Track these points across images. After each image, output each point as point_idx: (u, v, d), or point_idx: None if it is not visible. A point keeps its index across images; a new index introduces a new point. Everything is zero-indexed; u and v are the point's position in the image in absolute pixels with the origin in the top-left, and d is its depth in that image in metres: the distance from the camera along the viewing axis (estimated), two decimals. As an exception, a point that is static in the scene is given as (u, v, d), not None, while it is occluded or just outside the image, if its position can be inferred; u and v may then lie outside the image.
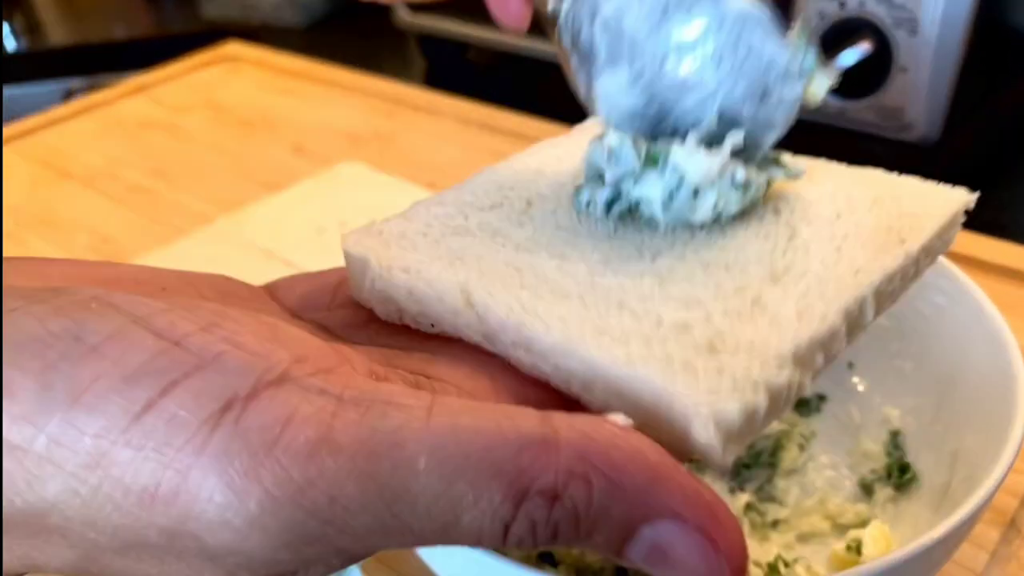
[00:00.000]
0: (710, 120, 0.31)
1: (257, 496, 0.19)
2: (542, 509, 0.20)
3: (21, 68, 1.25)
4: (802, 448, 0.44)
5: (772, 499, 0.43)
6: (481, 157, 0.78)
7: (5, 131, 0.89)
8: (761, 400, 0.22)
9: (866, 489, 0.42)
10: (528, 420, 0.21)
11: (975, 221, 0.68)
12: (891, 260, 0.28)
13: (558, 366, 0.25)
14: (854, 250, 0.29)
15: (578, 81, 0.33)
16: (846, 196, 0.32)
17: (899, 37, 0.67)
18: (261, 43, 1.08)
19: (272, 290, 0.31)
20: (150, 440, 0.19)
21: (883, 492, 0.41)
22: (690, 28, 0.30)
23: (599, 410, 0.24)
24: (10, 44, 1.27)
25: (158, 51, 1.23)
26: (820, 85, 0.29)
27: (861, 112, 0.71)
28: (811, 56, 0.29)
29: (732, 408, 0.22)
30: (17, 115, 1.20)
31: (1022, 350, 0.51)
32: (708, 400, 0.22)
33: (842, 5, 0.68)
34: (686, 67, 0.30)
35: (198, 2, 1.26)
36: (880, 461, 0.42)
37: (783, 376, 0.23)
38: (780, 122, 0.31)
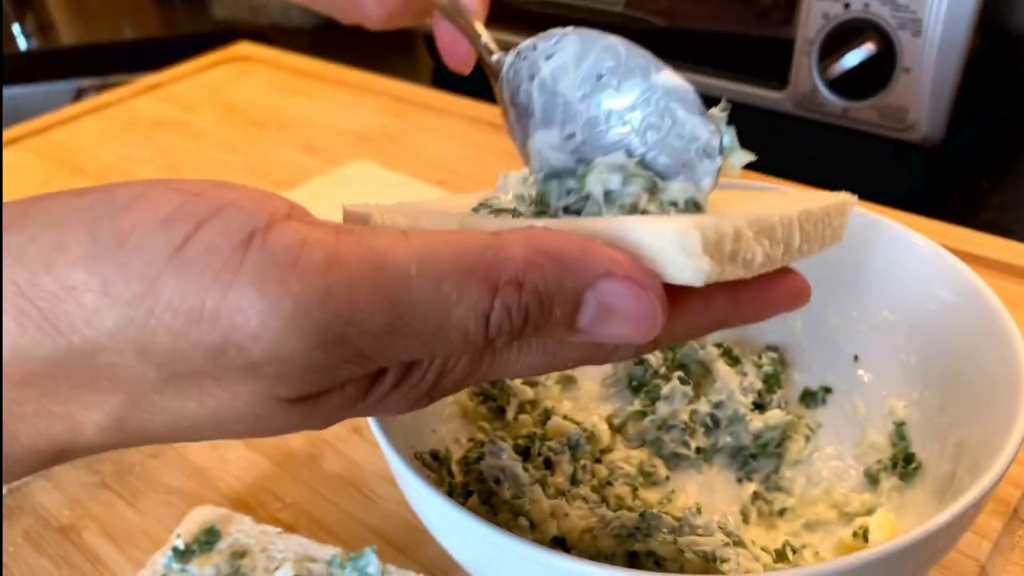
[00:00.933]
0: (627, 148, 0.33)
1: (291, 301, 0.23)
2: (512, 295, 0.25)
3: (32, 68, 1.25)
4: (808, 439, 0.45)
5: (779, 488, 0.44)
6: (490, 156, 0.78)
7: (18, 129, 0.90)
8: (729, 229, 0.26)
9: (871, 479, 0.43)
10: (480, 233, 0.26)
11: (977, 220, 0.69)
12: (806, 204, 0.31)
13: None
14: (774, 208, 0.31)
15: (514, 135, 0.35)
16: (755, 197, 0.36)
17: (903, 38, 0.67)
18: (270, 44, 1.09)
19: None
20: (192, 267, 0.23)
21: (888, 481, 0.42)
22: (621, 98, 0.33)
23: None
24: (21, 44, 1.28)
25: (168, 51, 1.24)
26: (737, 161, 0.31)
27: (864, 112, 0.71)
28: (730, 134, 0.32)
29: (708, 221, 0.26)
30: (28, 114, 1.21)
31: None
32: (688, 223, 0.26)
33: (846, 6, 0.69)
34: (614, 133, 0.33)
35: (207, 3, 1.27)
36: (885, 451, 0.43)
37: (742, 223, 0.27)
38: (699, 190, 0.33)
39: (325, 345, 0.23)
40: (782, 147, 0.78)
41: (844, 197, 0.34)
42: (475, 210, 0.33)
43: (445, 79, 1.04)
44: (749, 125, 0.84)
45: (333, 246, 0.24)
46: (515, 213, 0.32)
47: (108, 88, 1.21)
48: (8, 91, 1.24)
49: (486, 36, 0.39)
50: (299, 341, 0.23)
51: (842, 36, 0.70)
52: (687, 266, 0.25)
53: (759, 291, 0.29)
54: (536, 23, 0.93)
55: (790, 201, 0.35)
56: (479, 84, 1.06)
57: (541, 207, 0.32)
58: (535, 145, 0.34)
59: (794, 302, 0.32)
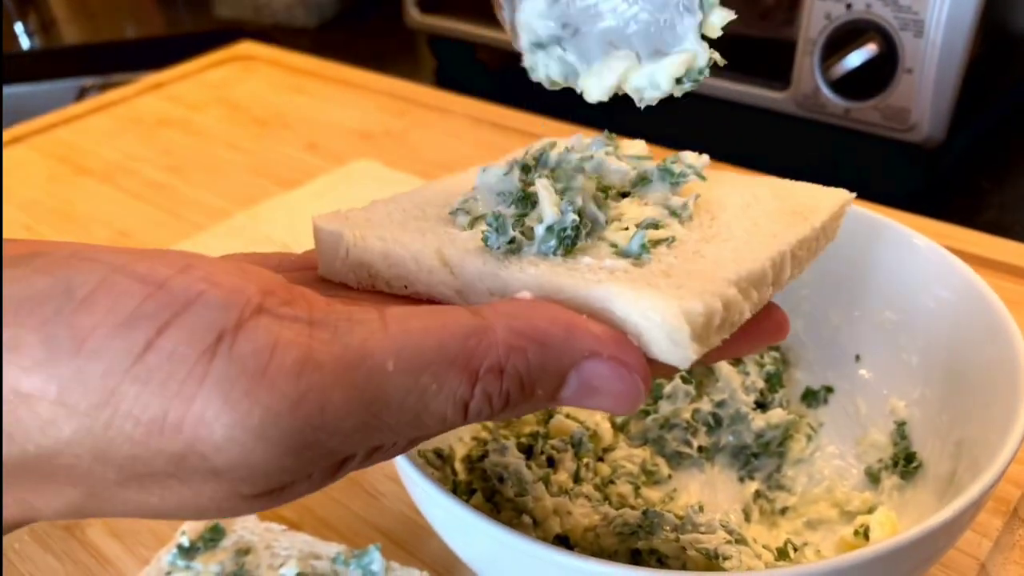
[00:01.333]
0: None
1: (259, 413, 0.22)
2: (494, 383, 0.24)
3: (34, 67, 1.26)
4: (810, 438, 0.46)
5: (780, 487, 0.44)
6: (492, 155, 0.78)
7: (21, 128, 0.90)
8: (718, 305, 0.26)
9: (872, 477, 0.43)
10: (462, 314, 0.25)
11: (978, 221, 0.69)
12: (800, 229, 0.31)
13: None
14: (768, 224, 0.31)
15: (505, 20, 0.34)
16: (751, 193, 0.34)
17: (905, 39, 0.68)
18: (273, 43, 1.10)
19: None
20: (155, 375, 0.22)
21: (889, 480, 0.42)
22: None
23: None
24: (24, 43, 1.28)
25: (171, 51, 1.24)
26: (717, 19, 0.31)
27: (866, 113, 0.72)
28: None
29: (696, 305, 0.25)
30: (30, 114, 1.21)
31: None
32: (676, 300, 0.25)
33: (848, 6, 0.69)
34: None
35: (210, 2, 1.28)
36: (887, 451, 0.43)
37: (731, 292, 0.26)
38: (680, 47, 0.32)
39: (294, 451, 0.23)
40: (784, 147, 0.79)
41: (841, 198, 0.34)
42: (452, 214, 0.33)
43: (447, 78, 1.04)
44: (751, 126, 0.84)
45: (306, 347, 0.23)
46: (496, 218, 0.30)
47: (111, 87, 1.22)
48: (10, 90, 1.24)
49: None
50: (266, 452, 0.22)
51: (844, 37, 0.70)
52: (674, 353, 0.25)
53: (741, 333, 0.29)
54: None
55: (781, 194, 0.34)
56: (481, 83, 1.06)
57: (521, 208, 0.31)
58: (522, 17, 0.33)
59: (775, 337, 0.33)
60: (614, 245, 0.29)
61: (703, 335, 0.25)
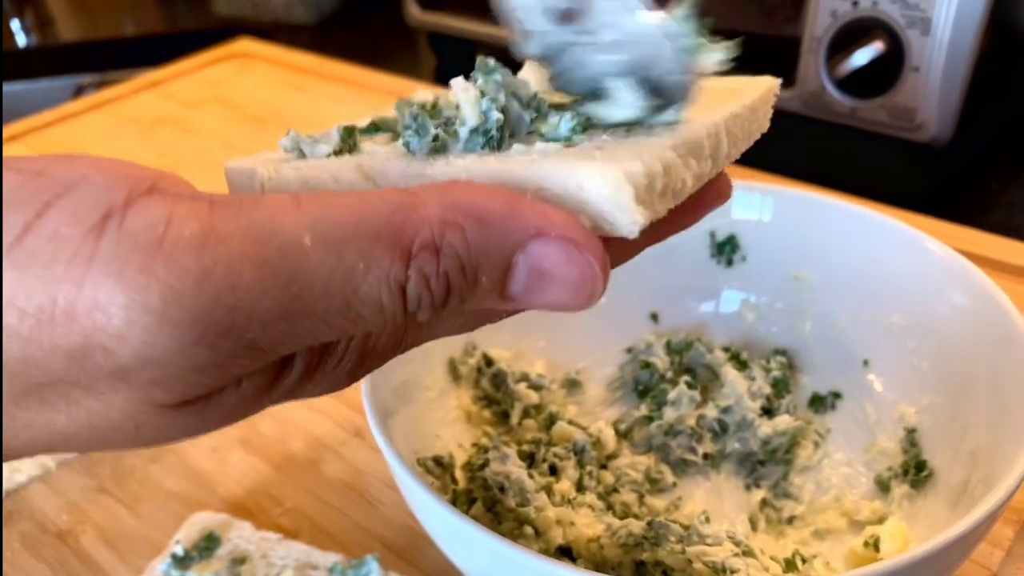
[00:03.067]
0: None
1: (159, 290, 0.19)
2: (430, 263, 0.21)
3: (32, 64, 1.25)
4: (817, 445, 0.45)
5: (788, 495, 0.43)
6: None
7: (18, 126, 0.89)
8: (658, 167, 0.24)
9: (882, 486, 0.42)
10: (389, 193, 0.22)
11: (986, 221, 0.68)
12: (732, 106, 0.29)
13: None
14: (700, 106, 0.28)
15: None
16: None
17: (912, 37, 0.66)
18: (272, 40, 1.08)
19: None
20: (36, 259, 0.19)
21: (899, 489, 0.41)
22: None
23: None
24: (21, 40, 1.27)
25: (169, 48, 1.23)
26: (710, 61, 0.29)
27: (872, 112, 0.71)
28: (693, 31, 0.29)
29: (636, 165, 0.23)
30: (28, 111, 1.20)
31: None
32: (614, 164, 0.23)
33: (855, 4, 0.68)
34: None
35: (208, 1, 1.27)
36: (896, 458, 0.42)
37: (669, 155, 0.25)
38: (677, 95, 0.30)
39: (206, 339, 0.20)
40: (789, 147, 0.77)
41: (768, 84, 0.32)
42: (364, 133, 0.30)
43: (447, 75, 1.03)
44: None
45: (206, 220, 0.20)
46: (415, 119, 0.27)
47: (108, 85, 1.21)
48: (8, 87, 1.24)
49: None
50: (173, 338, 0.20)
51: (850, 35, 0.69)
52: (619, 221, 0.23)
53: (686, 202, 0.27)
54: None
55: (710, 83, 0.33)
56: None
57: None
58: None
59: (717, 200, 0.30)
60: (543, 135, 0.27)
61: (646, 199, 0.24)
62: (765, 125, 0.31)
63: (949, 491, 0.39)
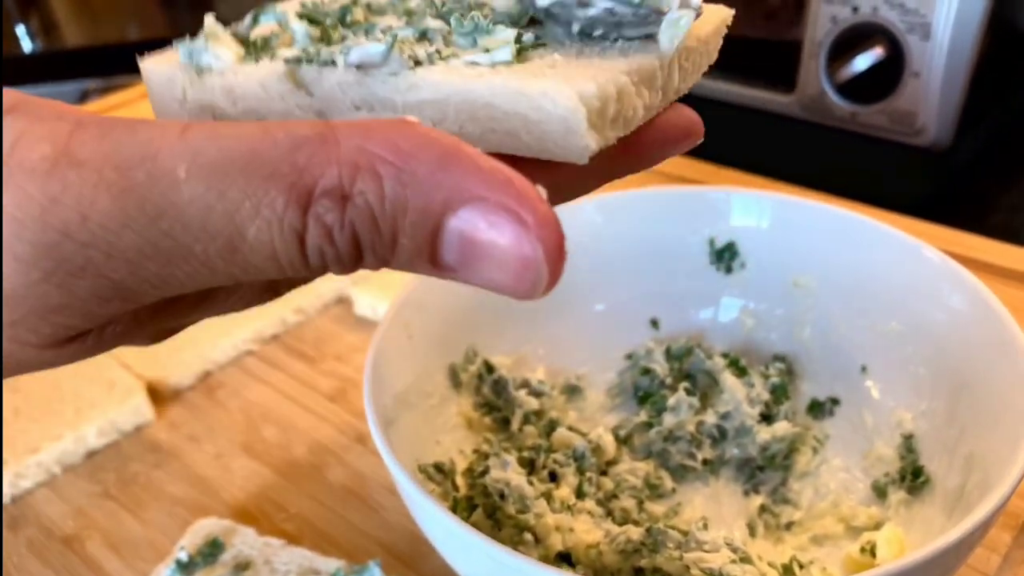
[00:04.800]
0: None
1: (23, 215, 0.17)
2: (333, 211, 0.18)
3: (37, 69, 1.26)
4: (815, 451, 0.45)
5: (786, 501, 0.43)
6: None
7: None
8: (611, 90, 0.23)
9: (879, 492, 0.42)
10: (301, 125, 0.19)
11: (987, 224, 0.69)
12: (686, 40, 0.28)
13: (407, 106, 0.24)
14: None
15: None
16: None
17: (911, 42, 0.67)
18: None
19: None
20: None
21: (896, 495, 0.41)
22: None
23: None
24: (27, 45, 1.28)
25: (173, 52, 1.24)
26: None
27: (873, 117, 0.71)
28: None
29: (590, 87, 0.22)
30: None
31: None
32: (568, 84, 0.22)
33: (855, 9, 0.69)
34: None
35: (212, 4, 1.27)
36: (893, 464, 0.43)
37: (623, 80, 0.23)
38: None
39: (57, 277, 0.18)
40: (790, 151, 0.78)
41: (722, 15, 0.30)
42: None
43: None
44: (757, 129, 0.83)
45: (63, 142, 0.18)
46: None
47: (113, 89, 1.21)
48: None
49: None
50: (20, 272, 0.18)
51: (850, 40, 0.70)
52: (570, 145, 0.22)
53: (654, 135, 0.26)
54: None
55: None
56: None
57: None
58: None
59: (688, 136, 0.28)
60: (487, 50, 0.25)
61: (599, 124, 0.22)
62: (714, 57, 0.30)
63: (945, 496, 0.39)
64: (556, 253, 0.18)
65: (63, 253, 0.18)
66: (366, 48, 0.24)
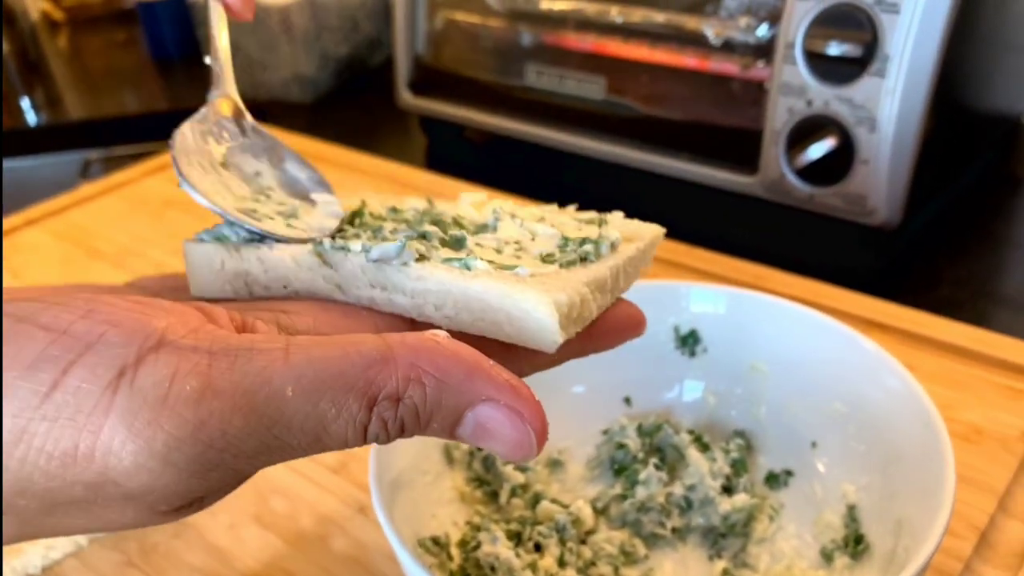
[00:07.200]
0: None
1: (163, 439, 0.24)
2: (390, 410, 0.26)
3: (40, 141, 1.31)
4: (771, 519, 0.50)
5: (745, 565, 0.49)
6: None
7: (35, 210, 0.95)
8: (577, 299, 0.31)
9: (826, 557, 0.48)
10: (368, 342, 0.27)
11: (933, 297, 0.75)
12: (629, 250, 0.36)
13: (415, 292, 0.31)
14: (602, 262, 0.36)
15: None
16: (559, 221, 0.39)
17: (860, 133, 0.73)
18: (271, 118, 1.15)
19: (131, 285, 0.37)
20: (63, 412, 0.24)
21: (841, 560, 0.46)
22: None
23: (444, 328, 0.31)
24: (31, 118, 1.33)
25: (171, 124, 1.29)
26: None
27: (828, 198, 0.77)
28: None
29: (562, 297, 0.30)
30: (38, 185, 1.27)
31: (970, 426, 0.57)
32: (546, 294, 0.30)
33: (809, 103, 0.75)
34: None
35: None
36: (839, 532, 0.48)
37: (585, 291, 0.32)
38: None
39: (200, 474, 0.25)
40: (754, 228, 0.84)
41: (656, 231, 0.38)
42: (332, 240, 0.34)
43: (436, 155, 1.10)
44: (723, 207, 0.90)
45: (205, 375, 0.25)
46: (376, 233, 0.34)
47: (114, 160, 1.27)
48: (18, 163, 1.30)
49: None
50: (173, 475, 0.24)
51: (806, 130, 0.76)
52: (543, 339, 0.30)
53: (607, 329, 0.34)
54: (521, 109, 0.99)
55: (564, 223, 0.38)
56: (468, 158, 1.12)
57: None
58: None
59: (634, 330, 0.36)
60: (481, 258, 0.33)
61: (565, 324, 0.30)
62: (650, 265, 0.39)
63: (882, 560, 0.45)
64: (542, 434, 0.27)
65: (207, 458, 0.25)
66: (385, 247, 0.31)
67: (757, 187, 0.81)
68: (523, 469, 0.52)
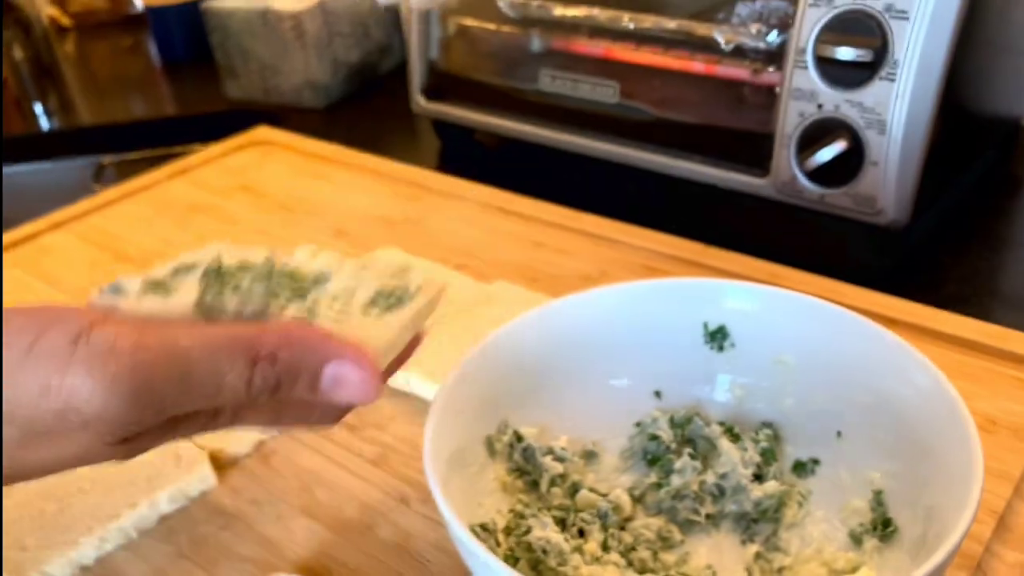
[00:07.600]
0: None
1: (111, 375, 0.34)
2: (267, 367, 0.36)
3: (54, 146, 1.32)
4: (800, 505, 0.53)
5: (777, 549, 0.51)
6: (502, 239, 0.86)
7: (61, 214, 0.96)
8: (398, 341, 0.42)
9: (855, 539, 0.50)
10: (248, 325, 0.39)
11: (941, 294, 0.78)
12: (422, 299, 0.44)
13: None
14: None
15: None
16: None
17: (869, 136, 0.76)
18: (283, 122, 1.17)
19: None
20: (40, 360, 0.34)
21: (870, 542, 0.49)
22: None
23: None
24: (44, 123, 1.35)
25: (181, 129, 1.32)
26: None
27: (838, 199, 0.80)
28: None
29: (384, 342, 0.41)
30: (52, 189, 1.28)
31: (988, 417, 0.60)
32: (373, 339, 0.41)
33: (819, 107, 0.78)
34: None
35: (221, 82, 1.35)
36: (867, 516, 0.50)
37: (399, 335, 0.42)
38: None
39: (136, 404, 0.34)
40: (766, 229, 0.87)
41: (439, 286, 0.45)
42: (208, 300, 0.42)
43: (450, 156, 1.12)
44: (735, 208, 0.93)
45: (138, 336, 0.35)
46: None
47: (127, 164, 1.29)
48: (31, 167, 1.31)
49: None
50: (118, 402, 0.34)
51: (816, 133, 0.79)
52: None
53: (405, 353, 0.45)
54: (534, 112, 1.01)
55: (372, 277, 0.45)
56: (480, 161, 1.14)
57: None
58: None
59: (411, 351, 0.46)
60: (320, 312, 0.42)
61: (390, 353, 0.41)
62: (436, 306, 0.45)
63: (911, 543, 0.47)
64: (379, 380, 0.39)
65: (140, 392, 0.35)
66: (254, 310, 0.41)
67: (769, 188, 0.83)
68: (561, 460, 0.54)
